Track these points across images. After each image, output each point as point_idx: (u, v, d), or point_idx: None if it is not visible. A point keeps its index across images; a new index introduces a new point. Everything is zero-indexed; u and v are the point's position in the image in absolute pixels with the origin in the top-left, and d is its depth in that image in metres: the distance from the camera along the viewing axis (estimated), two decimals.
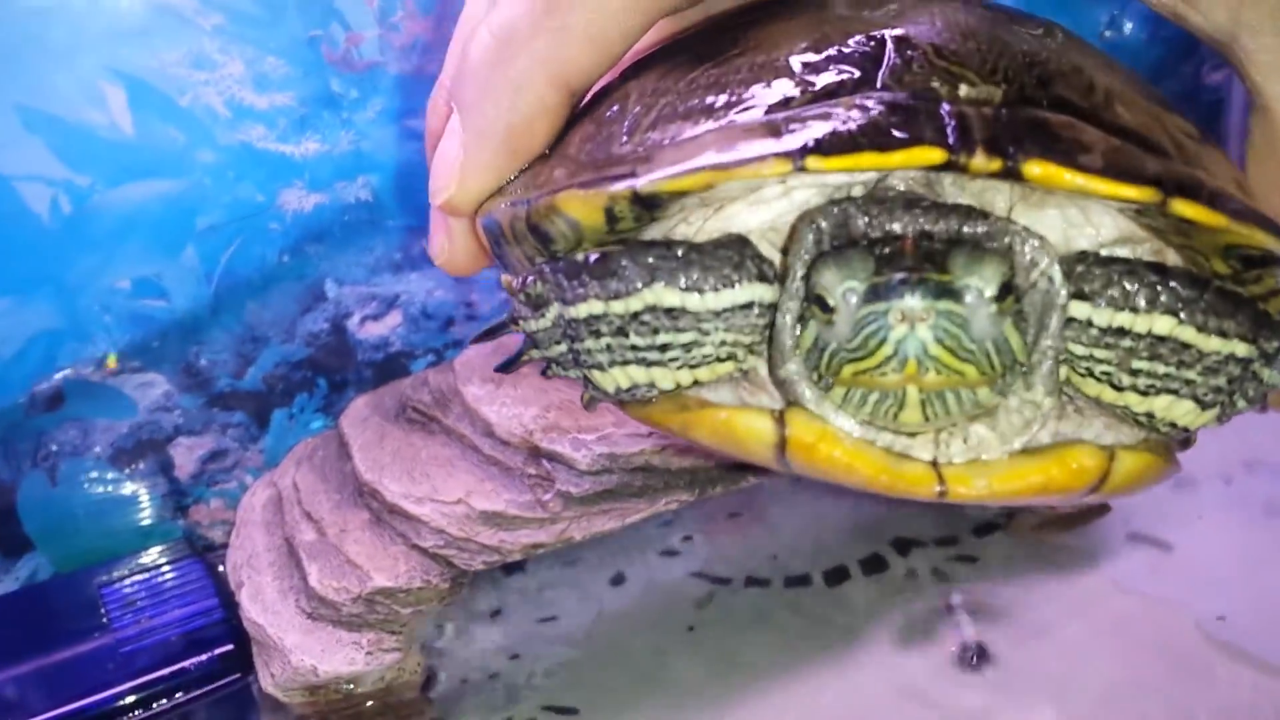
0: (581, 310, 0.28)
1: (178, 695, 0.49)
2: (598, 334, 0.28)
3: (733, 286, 0.27)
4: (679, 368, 0.28)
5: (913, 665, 0.51)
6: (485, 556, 0.46)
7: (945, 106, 0.25)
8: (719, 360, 0.28)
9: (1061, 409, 0.28)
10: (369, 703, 0.46)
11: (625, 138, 0.28)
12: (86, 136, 0.52)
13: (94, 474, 0.57)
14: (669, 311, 0.27)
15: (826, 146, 0.24)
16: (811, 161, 0.24)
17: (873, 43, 0.27)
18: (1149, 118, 0.27)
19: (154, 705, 0.48)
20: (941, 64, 0.26)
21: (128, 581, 0.54)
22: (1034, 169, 0.24)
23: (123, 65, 0.52)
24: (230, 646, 0.50)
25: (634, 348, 0.28)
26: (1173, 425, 0.28)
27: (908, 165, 0.25)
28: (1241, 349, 0.26)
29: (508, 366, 0.32)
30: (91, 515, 0.58)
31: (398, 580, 0.45)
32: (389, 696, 0.46)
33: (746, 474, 0.48)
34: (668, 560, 0.61)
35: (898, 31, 0.27)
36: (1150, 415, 0.27)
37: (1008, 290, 0.25)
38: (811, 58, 0.27)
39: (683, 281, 0.27)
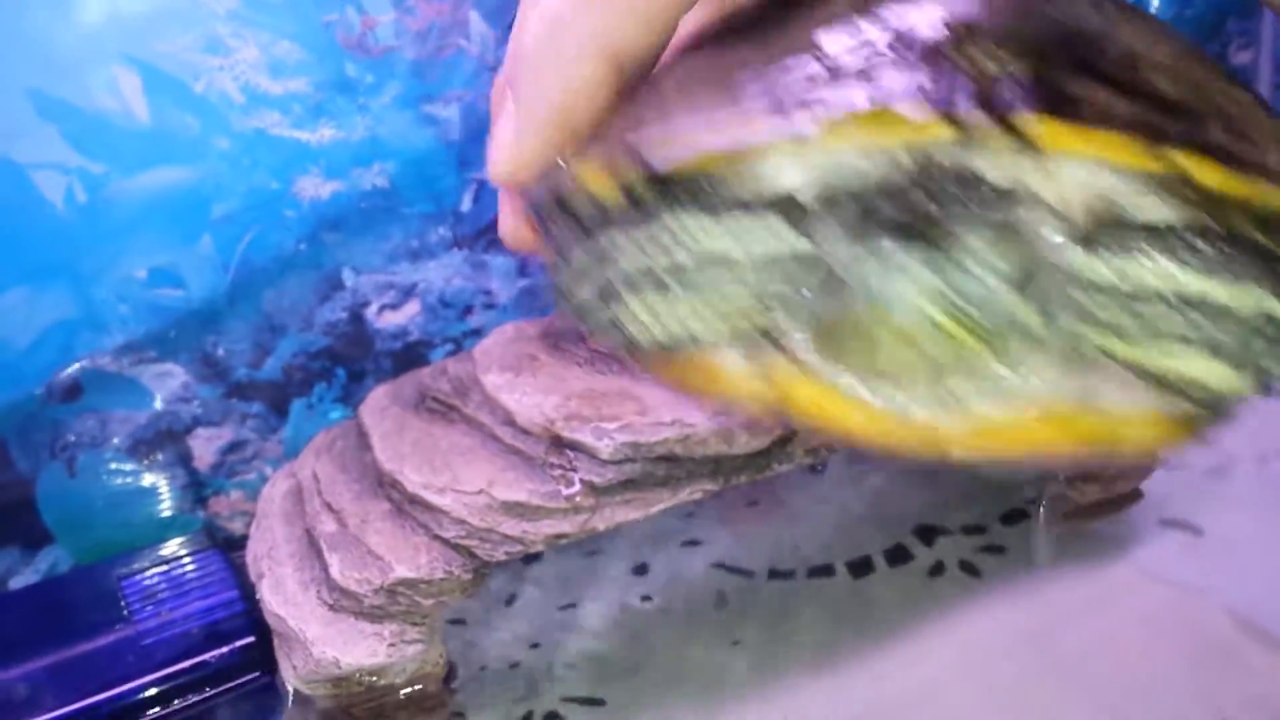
0: (625, 264, 0.28)
1: (199, 689, 0.48)
2: (635, 286, 0.28)
3: (760, 236, 0.27)
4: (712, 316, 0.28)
5: (939, 656, 0.51)
6: (508, 547, 0.45)
7: (957, 79, 0.24)
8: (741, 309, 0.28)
9: (1080, 370, 0.27)
10: (391, 695, 0.45)
11: (653, 119, 0.27)
12: (101, 124, 0.52)
13: (113, 465, 0.57)
14: (700, 258, 0.27)
15: (826, 122, 0.24)
16: (812, 133, 0.24)
17: (902, 20, 0.26)
18: (1189, 86, 0.26)
19: (175, 699, 0.48)
20: (965, 38, 0.25)
21: (148, 574, 0.54)
22: (1036, 129, 0.23)
23: (136, 51, 0.52)
24: (251, 639, 0.49)
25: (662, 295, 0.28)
26: (1203, 388, 0.26)
27: (910, 136, 0.24)
28: (1270, 305, 0.25)
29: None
30: (111, 507, 0.58)
31: (419, 571, 0.44)
32: (411, 689, 0.46)
33: (771, 462, 0.47)
34: (689, 551, 0.61)
35: (929, 8, 0.26)
36: (1168, 373, 0.26)
37: (1015, 261, 0.24)
38: (841, 40, 0.26)
39: (715, 231, 0.27)
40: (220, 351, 0.57)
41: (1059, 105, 0.24)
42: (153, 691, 0.48)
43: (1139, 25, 0.28)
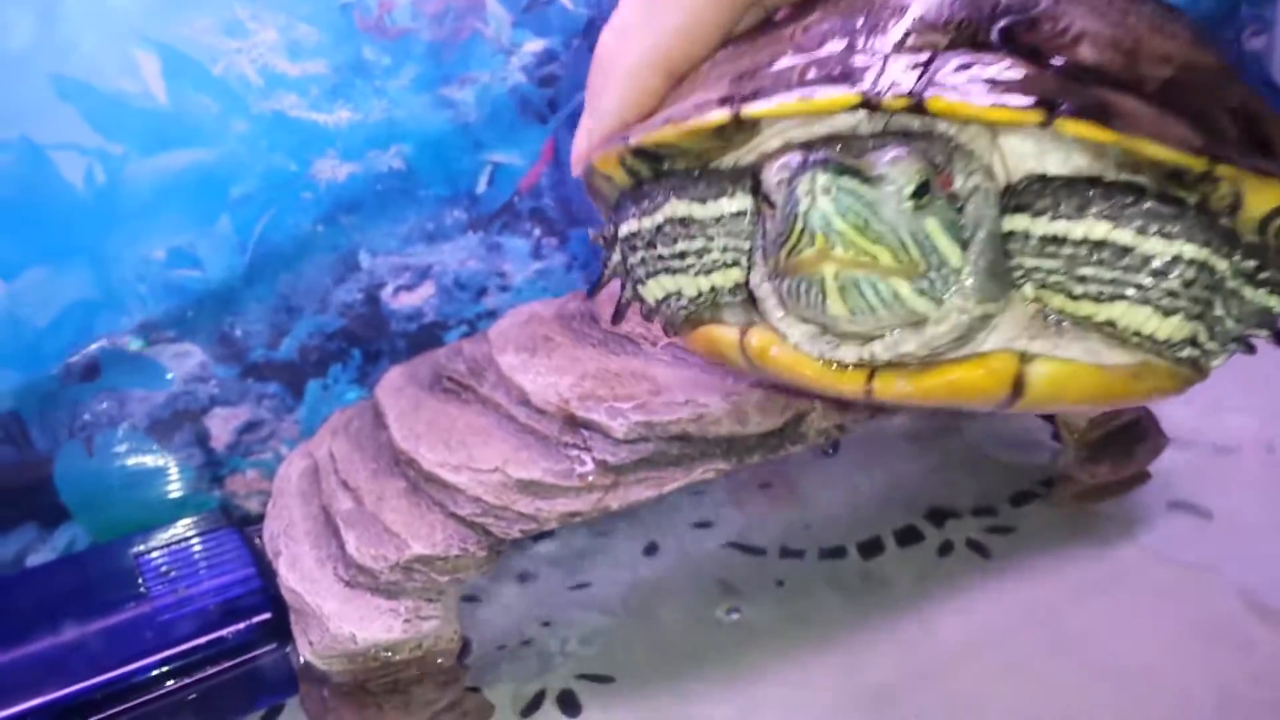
0: (624, 229, 0.35)
1: (216, 663, 0.49)
2: (634, 248, 0.34)
3: (728, 196, 0.32)
4: (696, 274, 0.34)
5: (949, 633, 0.51)
6: (522, 525, 0.45)
7: (881, 58, 0.29)
8: (726, 266, 0.33)
9: (1037, 328, 0.30)
10: (407, 670, 0.46)
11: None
12: (120, 105, 0.52)
13: (130, 445, 0.58)
14: (682, 221, 0.33)
15: (761, 99, 0.30)
16: (744, 110, 0.30)
17: (865, 18, 0.31)
18: (1119, 53, 0.29)
19: (192, 673, 0.49)
20: (907, 25, 0.29)
21: (165, 551, 0.54)
22: (937, 103, 0.27)
23: (155, 33, 0.52)
24: (268, 615, 0.50)
25: (660, 257, 0.34)
26: (1153, 340, 0.29)
27: (830, 108, 0.29)
28: (1189, 251, 0.27)
29: (592, 291, 0.39)
30: (128, 486, 0.58)
31: (435, 548, 0.45)
32: (426, 664, 0.46)
33: (784, 442, 0.47)
34: (700, 531, 0.61)
35: (891, 7, 0.30)
36: (1114, 324, 0.29)
37: (924, 190, 0.27)
38: (815, 36, 0.31)
39: (689, 195, 0.33)
40: (237, 332, 0.58)
41: (958, 75, 0.28)
42: (170, 667, 0.48)
43: (1101, 5, 0.30)
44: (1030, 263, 0.29)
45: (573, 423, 0.46)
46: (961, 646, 0.50)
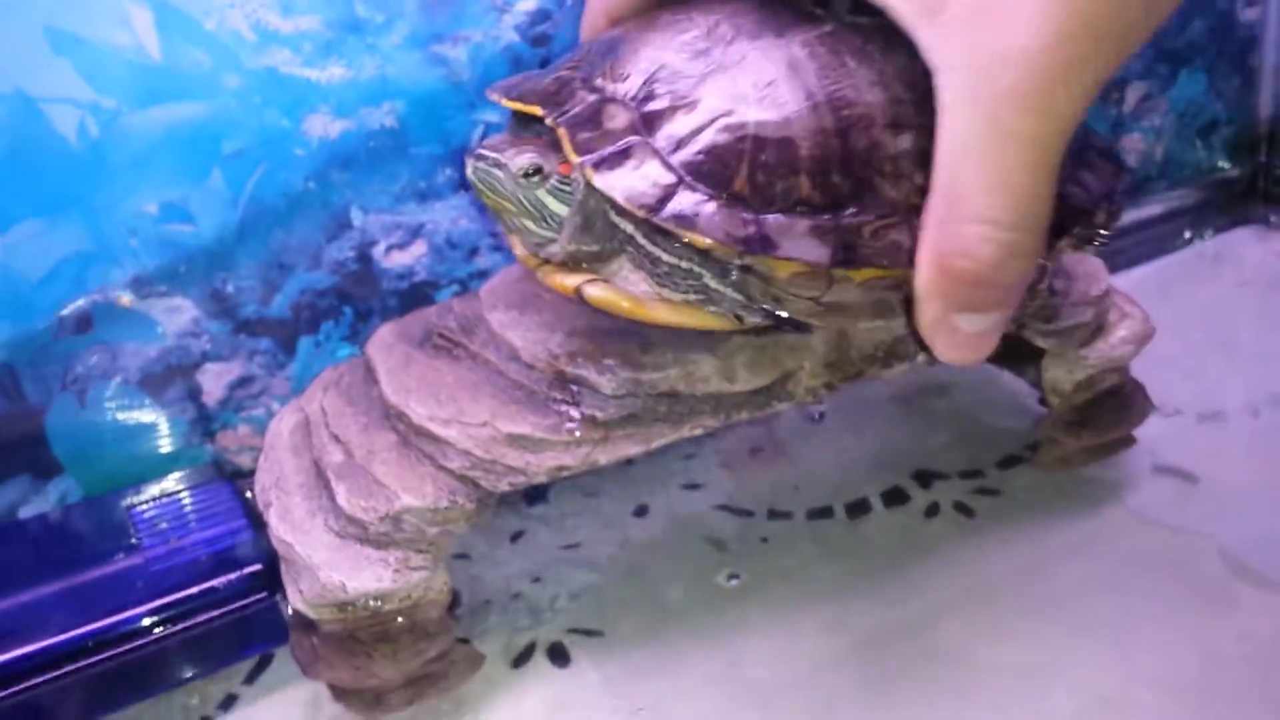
0: None
1: (207, 612, 0.50)
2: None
3: None
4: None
5: (936, 590, 0.52)
6: (511, 478, 0.46)
7: (580, 93, 0.41)
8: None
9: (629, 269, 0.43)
10: (396, 620, 0.46)
11: None
12: (113, 59, 0.52)
13: (123, 398, 0.58)
14: None
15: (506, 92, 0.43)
16: (493, 97, 0.44)
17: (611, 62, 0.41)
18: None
19: (184, 622, 0.49)
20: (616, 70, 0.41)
21: (157, 503, 0.55)
22: (560, 131, 0.40)
23: None
24: (259, 566, 0.50)
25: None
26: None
27: (531, 112, 0.41)
28: (683, 263, 0.41)
29: None
30: (120, 439, 0.59)
31: (425, 500, 0.45)
32: (415, 614, 0.47)
33: (771, 400, 0.48)
34: (690, 493, 0.62)
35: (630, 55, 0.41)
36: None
37: (537, 172, 0.41)
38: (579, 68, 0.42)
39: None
40: (230, 288, 0.58)
41: (593, 119, 0.40)
42: (163, 615, 0.49)
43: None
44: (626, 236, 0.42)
45: (562, 379, 0.46)
46: (947, 603, 0.51)
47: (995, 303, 0.35)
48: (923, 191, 0.35)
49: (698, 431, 0.47)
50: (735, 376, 0.47)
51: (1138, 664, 0.46)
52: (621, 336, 0.47)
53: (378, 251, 0.61)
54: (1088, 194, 0.44)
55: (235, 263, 0.58)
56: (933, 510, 0.57)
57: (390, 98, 0.58)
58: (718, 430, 0.48)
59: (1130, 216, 0.83)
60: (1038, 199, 0.33)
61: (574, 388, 0.46)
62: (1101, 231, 0.46)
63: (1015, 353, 0.58)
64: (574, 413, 0.46)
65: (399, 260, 0.62)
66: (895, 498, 0.59)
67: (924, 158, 0.36)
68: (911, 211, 0.38)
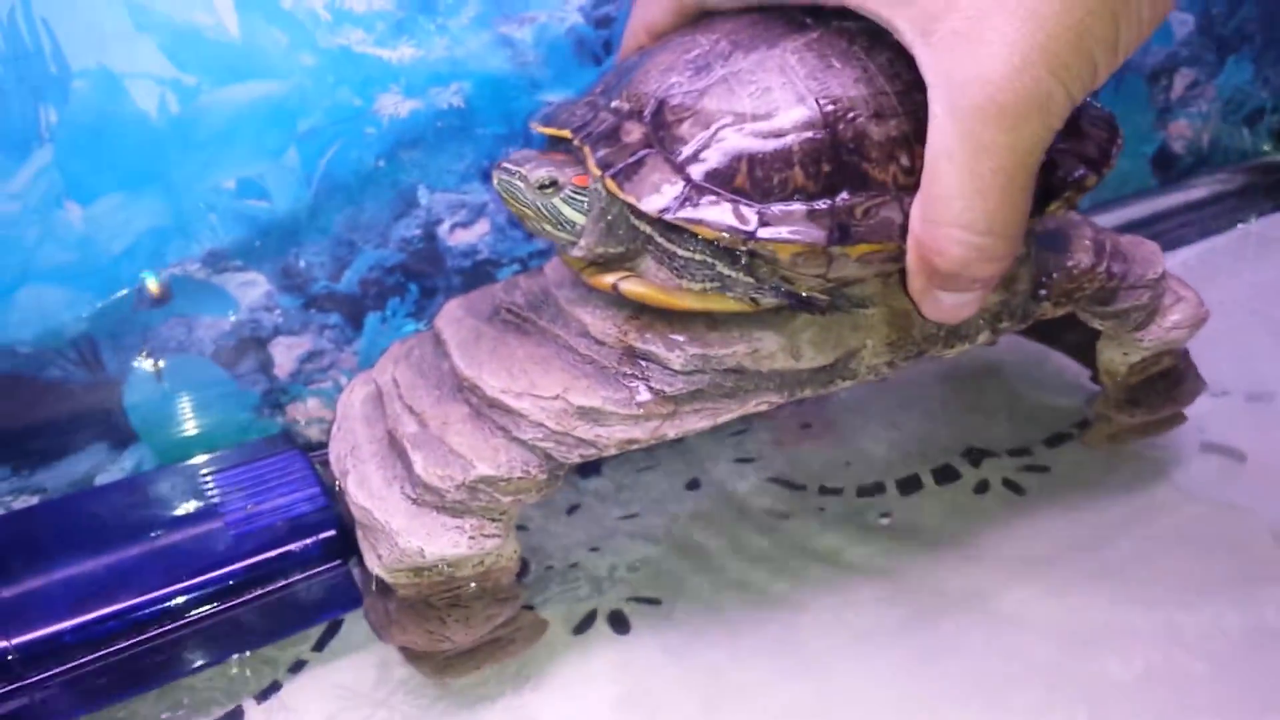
0: None
1: (283, 577, 0.51)
2: None
3: None
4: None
5: (988, 564, 0.53)
6: (582, 450, 0.47)
7: (602, 114, 0.45)
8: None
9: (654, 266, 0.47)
10: (469, 585, 0.48)
11: None
12: (194, 37, 0.54)
13: (197, 370, 0.60)
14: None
15: (544, 120, 0.48)
16: (534, 127, 0.48)
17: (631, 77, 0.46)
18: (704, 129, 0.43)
19: (261, 586, 0.51)
20: (631, 92, 0.45)
21: (235, 470, 0.56)
22: (584, 149, 0.44)
23: None
24: (333, 532, 0.52)
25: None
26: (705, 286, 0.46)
27: (559, 135, 0.46)
28: (697, 256, 0.45)
29: None
30: (194, 409, 0.60)
31: (499, 469, 0.46)
32: (486, 580, 0.48)
33: (835, 378, 0.49)
34: (742, 466, 0.63)
35: (650, 73, 0.45)
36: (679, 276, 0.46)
37: (553, 184, 0.45)
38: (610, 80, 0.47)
39: None
40: (301, 263, 0.60)
41: (612, 135, 0.44)
42: (241, 579, 0.50)
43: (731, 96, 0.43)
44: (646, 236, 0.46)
45: (631, 354, 0.48)
46: (1000, 573, 0.52)
47: (970, 288, 0.41)
48: (909, 172, 0.42)
49: (762, 407, 0.48)
50: (800, 354, 0.48)
51: (1187, 636, 0.47)
52: (689, 313, 0.48)
53: (443, 230, 0.62)
54: (1079, 159, 0.47)
55: (307, 239, 0.59)
56: (982, 487, 0.59)
57: (458, 78, 0.59)
58: (781, 406, 0.50)
59: (1177, 199, 0.84)
60: (1010, 207, 0.38)
61: (643, 363, 0.47)
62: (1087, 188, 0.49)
63: (1068, 334, 0.58)
64: (643, 388, 0.47)
65: (463, 239, 0.63)
66: (946, 475, 0.60)
67: (908, 141, 0.42)
68: (901, 190, 0.43)
